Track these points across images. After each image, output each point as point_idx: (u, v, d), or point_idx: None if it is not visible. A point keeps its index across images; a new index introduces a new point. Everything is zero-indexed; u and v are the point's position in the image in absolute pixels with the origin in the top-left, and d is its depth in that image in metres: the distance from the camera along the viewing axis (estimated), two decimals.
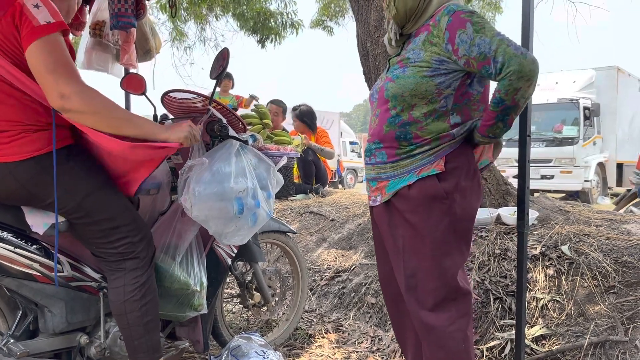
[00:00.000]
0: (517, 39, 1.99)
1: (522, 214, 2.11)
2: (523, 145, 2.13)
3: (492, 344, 2.47)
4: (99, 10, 2.91)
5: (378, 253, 2.07)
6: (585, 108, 10.95)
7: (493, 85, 1.78)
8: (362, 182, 22.65)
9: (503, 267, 2.81)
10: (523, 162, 2.12)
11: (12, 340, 1.72)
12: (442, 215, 1.73)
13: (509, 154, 11.19)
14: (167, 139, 1.72)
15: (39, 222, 1.71)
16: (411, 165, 1.76)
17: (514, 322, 2.51)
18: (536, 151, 10.30)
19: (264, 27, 8.19)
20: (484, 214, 3.16)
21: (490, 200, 3.43)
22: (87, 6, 3.43)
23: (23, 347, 1.69)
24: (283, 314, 2.89)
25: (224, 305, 2.64)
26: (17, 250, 1.69)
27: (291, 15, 8.54)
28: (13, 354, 1.67)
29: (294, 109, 5.89)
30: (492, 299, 2.66)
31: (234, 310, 3.16)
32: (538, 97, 10.17)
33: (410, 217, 1.76)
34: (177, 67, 8.36)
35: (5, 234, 1.68)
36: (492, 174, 3.51)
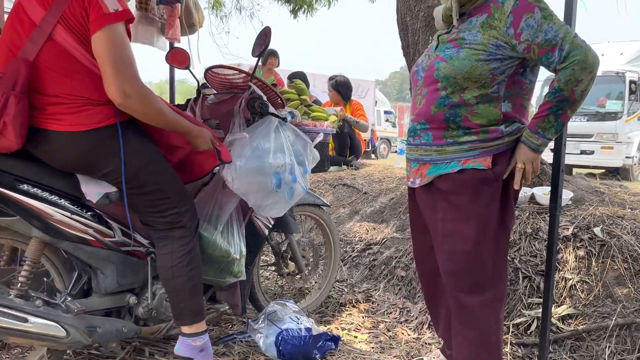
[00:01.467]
0: (559, 7, 1.95)
1: (555, 196, 2.13)
2: None
3: (518, 320, 2.53)
4: None
5: (415, 230, 2.09)
6: (631, 82, 10.55)
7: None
8: (396, 152, 22.54)
9: (534, 247, 2.84)
10: (560, 144, 2.13)
11: (69, 298, 1.88)
12: (488, 199, 1.74)
13: None
14: (193, 142, 1.94)
15: (92, 191, 1.84)
16: (456, 153, 1.75)
17: (541, 300, 2.56)
18: (577, 125, 10.05)
19: None
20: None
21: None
22: None
23: (79, 305, 1.85)
24: (315, 282, 3.01)
25: (260, 272, 2.77)
26: (74, 216, 1.83)
27: None
28: (71, 311, 1.83)
29: (330, 78, 5.91)
30: (521, 277, 2.71)
31: (268, 277, 3.31)
32: None
33: (454, 199, 1.77)
34: (213, 35, 8.41)
35: (63, 201, 1.81)
36: None
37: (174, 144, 1.97)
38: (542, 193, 3.19)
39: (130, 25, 1.83)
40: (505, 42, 1.66)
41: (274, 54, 6.20)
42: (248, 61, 7.04)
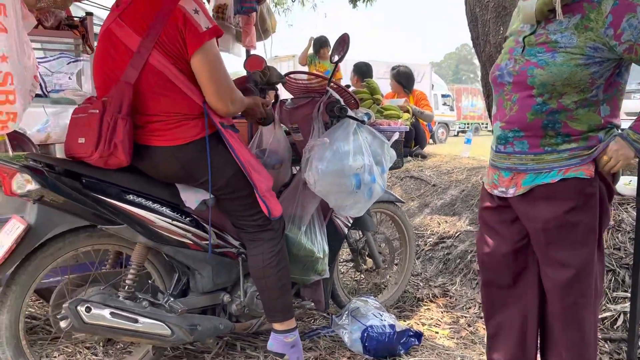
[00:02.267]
0: None
1: None
2: None
3: (603, 315, 2.49)
4: None
5: (492, 236, 1.94)
6: None
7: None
8: (455, 135, 22.04)
9: (617, 239, 2.77)
10: None
11: (171, 299, 2.02)
12: (592, 206, 1.69)
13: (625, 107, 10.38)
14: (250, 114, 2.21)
15: (191, 198, 1.98)
16: (555, 162, 1.69)
17: (627, 294, 2.50)
18: None
19: None
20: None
21: None
22: None
23: (182, 305, 1.99)
24: (391, 277, 3.07)
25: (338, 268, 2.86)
26: (174, 222, 1.97)
27: None
28: (174, 310, 1.97)
29: (393, 69, 5.91)
30: (605, 271, 2.65)
31: (344, 272, 3.39)
32: None
33: (558, 209, 1.70)
34: (275, 31, 8.54)
35: (164, 209, 1.96)
36: None
37: None
38: (623, 183, 3.08)
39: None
40: (603, 44, 1.59)
41: (325, 43, 6.47)
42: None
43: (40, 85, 2.76)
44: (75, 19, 2.76)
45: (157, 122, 1.82)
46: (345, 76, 7.13)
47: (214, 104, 1.85)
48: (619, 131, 1.71)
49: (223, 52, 3.14)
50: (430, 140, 14.60)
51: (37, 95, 2.78)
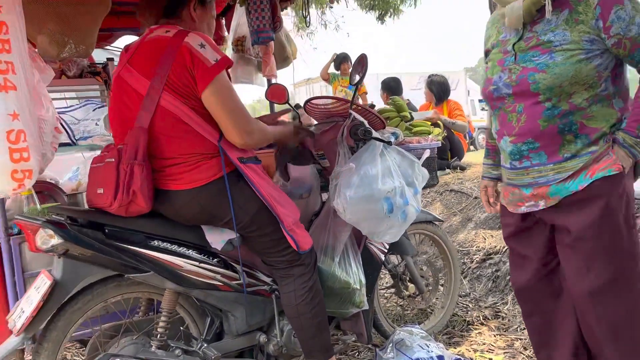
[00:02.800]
0: None
1: None
2: None
3: None
4: (238, 25, 3.11)
5: (516, 260, 1.87)
6: None
7: None
8: None
9: None
10: None
11: (205, 345, 1.95)
12: (625, 201, 1.59)
13: None
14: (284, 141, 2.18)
15: (217, 239, 1.92)
16: (578, 167, 1.59)
17: None
18: None
19: (382, 2, 8.15)
20: None
21: None
22: (224, 19, 3.67)
23: (216, 351, 1.92)
24: (437, 300, 2.91)
25: (379, 295, 2.73)
26: (202, 264, 1.91)
27: None
28: (208, 357, 1.90)
29: (429, 77, 5.83)
30: None
31: (387, 297, 3.25)
32: None
33: (591, 214, 1.59)
34: (302, 54, 8.61)
35: (190, 252, 1.90)
36: None
37: None
38: None
39: (230, 68, 1.89)
40: (597, 35, 1.53)
41: (345, 58, 6.55)
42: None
43: (68, 134, 2.80)
44: (97, 65, 2.80)
45: (174, 165, 1.77)
46: (376, 93, 7.08)
47: (231, 137, 1.79)
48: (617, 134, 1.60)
49: (246, 84, 3.13)
50: (471, 147, 14.32)
51: (66, 144, 2.82)
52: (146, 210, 1.74)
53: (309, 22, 2.95)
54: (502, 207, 1.87)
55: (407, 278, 2.66)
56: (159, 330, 1.90)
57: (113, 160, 1.70)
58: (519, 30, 1.63)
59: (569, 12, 1.55)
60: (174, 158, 1.76)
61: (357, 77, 2.16)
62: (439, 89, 5.64)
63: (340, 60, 6.71)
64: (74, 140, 2.81)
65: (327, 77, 7.11)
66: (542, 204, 1.67)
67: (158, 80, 1.70)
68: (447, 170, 5.18)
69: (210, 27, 2.02)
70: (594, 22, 1.52)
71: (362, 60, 2.11)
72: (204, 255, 1.92)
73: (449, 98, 5.74)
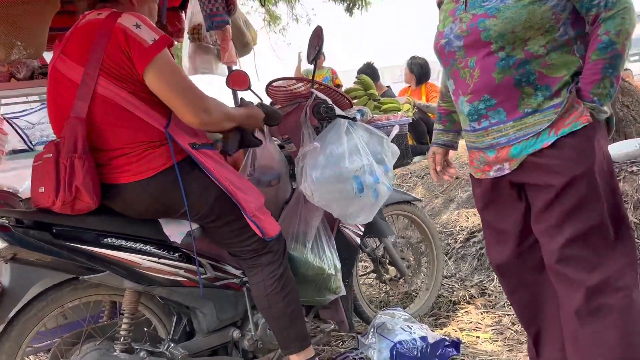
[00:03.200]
0: None
1: None
2: None
3: None
4: (193, 14, 2.99)
5: (493, 235, 1.73)
6: None
7: None
8: None
9: None
10: None
11: (172, 345, 1.84)
12: (601, 155, 1.45)
13: None
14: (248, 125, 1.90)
15: (175, 231, 1.80)
16: (541, 123, 1.44)
17: None
18: None
19: None
20: (631, 146, 2.80)
21: (637, 129, 3.03)
22: (183, 12, 3.55)
23: (183, 350, 1.81)
24: (421, 283, 2.82)
25: (361, 281, 2.64)
26: (162, 260, 1.79)
27: None
28: (175, 357, 1.79)
29: (411, 57, 5.78)
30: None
31: (371, 284, 3.16)
32: None
33: (560, 177, 1.44)
34: (275, 51, 8.51)
35: (148, 247, 1.78)
36: (635, 98, 3.10)
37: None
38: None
39: (189, 57, 1.78)
40: None
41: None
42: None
43: (24, 139, 2.67)
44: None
45: (120, 156, 1.64)
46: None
47: (186, 117, 1.64)
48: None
49: (207, 73, 3.01)
50: None
51: (23, 151, 2.70)
52: (93, 206, 1.62)
53: (264, 1, 2.83)
54: (471, 176, 1.74)
55: (387, 261, 2.57)
56: (121, 333, 1.78)
57: (51, 155, 1.57)
58: None
59: None
60: (118, 149, 1.63)
61: (314, 53, 2.06)
62: (419, 71, 5.60)
63: None
64: (31, 146, 2.68)
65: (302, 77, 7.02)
66: (507, 167, 1.54)
67: (92, 66, 1.57)
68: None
69: (152, 11, 1.88)
70: None
71: (318, 33, 2.01)
72: (163, 250, 1.80)
73: (428, 81, 5.70)
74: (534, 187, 1.52)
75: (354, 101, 2.55)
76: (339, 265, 2.13)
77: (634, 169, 2.73)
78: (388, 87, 5.91)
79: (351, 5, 8.53)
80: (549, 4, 1.40)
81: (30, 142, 2.66)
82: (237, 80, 2.43)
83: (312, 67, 2.15)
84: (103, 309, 1.97)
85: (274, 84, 2.29)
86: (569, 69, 1.44)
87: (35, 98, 2.80)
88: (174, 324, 1.91)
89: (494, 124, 1.51)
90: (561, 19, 1.42)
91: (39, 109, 2.73)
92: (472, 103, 1.53)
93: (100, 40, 1.57)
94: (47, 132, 2.76)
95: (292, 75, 6.87)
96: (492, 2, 1.45)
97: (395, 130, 2.35)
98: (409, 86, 5.79)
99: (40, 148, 2.72)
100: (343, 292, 2.14)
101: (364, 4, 8.40)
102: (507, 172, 1.54)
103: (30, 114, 2.67)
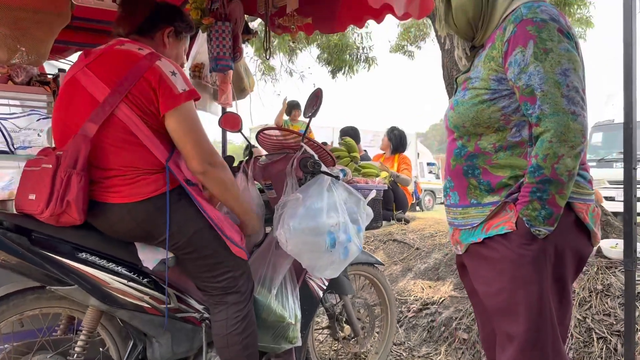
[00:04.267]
0: (616, 53, 1.78)
1: (629, 251, 2.01)
2: (628, 177, 2.03)
3: None
4: (197, 53, 3.12)
5: (472, 295, 1.77)
6: None
7: None
8: (441, 203, 22.16)
9: (606, 305, 2.64)
10: (629, 196, 2.02)
11: None
12: (531, 267, 1.41)
13: (600, 175, 10.51)
14: (244, 224, 2.03)
15: (149, 257, 1.83)
16: (478, 217, 1.48)
17: None
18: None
19: (338, 59, 8.44)
20: None
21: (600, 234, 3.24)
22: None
23: None
24: (372, 346, 2.87)
25: (314, 335, 2.67)
26: (130, 283, 1.81)
27: (366, 50, 8.76)
28: None
29: (391, 127, 6.05)
30: (595, 339, 2.51)
31: (321, 340, 3.19)
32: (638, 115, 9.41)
33: (487, 274, 1.47)
34: (261, 98, 8.72)
35: (120, 268, 1.81)
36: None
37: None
38: (609, 246, 3.00)
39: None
40: (504, 74, 1.40)
41: (297, 106, 6.74)
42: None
43: (7, 141, 2.67)
44: (47, 75, 2.72)
45: (115, 177, 1.70)
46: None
47: (192, 163, 1.75)
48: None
49: (200, 110, 3.11)
50: (417, 208, 14.62)
51: (3, 152, 2.69)
52: (79, 222, 1.66)
53: (270, 55, 2.98)
54: None
55: (344, 319, 2.62)
56: (76, 349, 1.77)
57: (50, 166, 1.62)
58: (467, 64, 1.61)
59: (490, 47, 1.45)
60: (115, 169, 1.69)
61: (311, 111, 2.19)
62: (397, 141, 5.85)
63: (292, 107, 6.84)
64: (12, 149, 2.68)
65: (281, 124, 7.20)
66: (459, 249, 1.59)
67: (119, 91, 1.66)
68: (392, 222, 5.27)
69: (179, 57, 2.02)
70: (501, 59, 1.39)
71: (318, 94, 2.15)
72: (134, 274, 1.83)
73: (403, 152, 5.94)
74: (472, 274, 1.58)
75: (337, 160, 2.68)
76: (299, 315, 2.18)
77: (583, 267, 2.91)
78: (365, 151, 6.14)
79: (336, 69, 8.92)
80: (498, 105, 1.41)
81: (12, 145, 2.66)
82: (230, 122, 2.54)
83: (288, 117, 2.28)
84: (59, 323, 1.95)
85: (265, 131, 2.41)
86: (512, 170, 1.43)
87: (28, 103, 2.83)
88: (129, 348, 1.91)
89: (452, 205, 1.59)
90: (512, 120, 1.42)
91: (28, 115, 2.74)
92: (446, 179, 1.63)
93: (135, 72, 1.67)
94: (31, 138, 2.76)
95: (274, 120, 7.07)
96: (459, 94, 1.53)
97: (372, 194, 2.47)
98: (384, 153, 6.02)
99: (20, 152, 2.72)
100: (299, 343, 2.18)
101: (350, 71, 8.78)
102: (460, 252, 1.62)
103: (18, 118, 2.68)
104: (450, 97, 3.53)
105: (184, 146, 1.74)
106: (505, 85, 1.41)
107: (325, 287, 2.43)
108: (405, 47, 10.36)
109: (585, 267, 2.91)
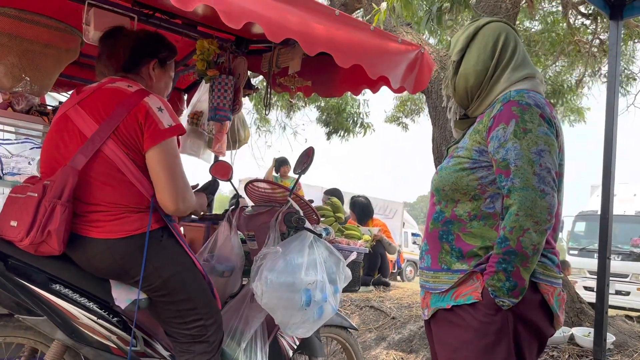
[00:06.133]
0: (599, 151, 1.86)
1: (599, 340, 2.02)
2: (602, 267, 2.08)
3: None
4: (198, 101, 3.22)
5: None
6: None
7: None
8: None
9: None
10: (602, 284, 2.06)
11: None
12: (495, 339, 1.41)
13: (581, 264, 10.62)
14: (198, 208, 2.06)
15: (122, 296, 1.82)
16: (448, 283, 1.49)
17: None
18: (611, 264, 9.69)
19: (336, 120, 8.65)
20: (556, 333, 3.00)
21: (568, 316, 3.26)
22: (186, 95, 3.79)
23: None
24: None
25: None
26: (100, 320, 1.79)
27: (363, 116, 9.01)
28: None
29: (352, 198, 5.97)
30: None
31: None
32: (615, 208, 9.65)
33: (459, 338, 1.46)
34: (253, 148, 8.85)
35: (91, 304, 1.78)
36: (566, 290, 3.37)
37: None
38: (583, 334, 3.01)
39: (181, 137, 1.92)
40: (486, 147, 1.48)
41: (285, 162, 6.84)
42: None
43: None
44: (48, 107, 2.78)
45: (98, 212, 1.71)
46: (318, 202, 7.29)
47: (164, 200, 1.75)
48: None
49: (192, 156, 3.17)
50: (399, 278, 14.53)
51: None
52: (57, 253, 1.65)
53: (269, 110, 3.08)
54: None
55: None
56: None
57: (36, 195, 1.63)
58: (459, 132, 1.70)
59: (479, 121, 1.54)
60: (99, 205, 1.71)
61: (300, 169, 2.24)
62: (360, 211, 5.74)
63: (280, 163, 6.91)
64: (1, 174, 2.69)
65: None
66: (427, 313, 1.59)
67: (106, 127, 1.70)
68: (370, 287, 5.24)
69: (167, 86, 2.06)
70: (485, 133, 1.48)
71: (310, 152, 2.21)
72: (104, 311, 1.81)
73: (374, 217, 5.90)
74: (437, 341, 1.56)
75: (321, 219, 2.71)
76: None
77: (555, 354, 2.91)
78: (346, 213, 6.17)
79: (332, 131, 9.11)
80: (477, 174, 1.48)
81: (2, 171, 2.68)
82: (220, 170, 2.59)
83: (277, 174, 2.34)
84: (21, 355, 1.90)
85: (254, 183, 2.45)
86: (483, 241, 1.46)
87: (24, 131, 2.86)
88: None
89: (424, 268, 1.60)
90: (487, 191, 1.47)
91: (22, 142, 2.77)
92: (423, 241, 1.65)
93: (123, 108, 1.72)
94: (21, 165, 2.78)
95: (263, 176, 7.13)
96: (445, 161, 1.60)
97: (353, 257, 2.50)
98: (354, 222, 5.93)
99: (9, 179, 2.73)
100: None
101: (346, 134, 8.97)
102: (426, 318, 1.61)
103: (12, 145, 2.71)
104: None
105: (159, 180, 1.74)
106: (486, 157, 1.48)
107: (295, 347, 2.39)
108: (400, 118, 10.67)
109: (557, 354, 2.91)
